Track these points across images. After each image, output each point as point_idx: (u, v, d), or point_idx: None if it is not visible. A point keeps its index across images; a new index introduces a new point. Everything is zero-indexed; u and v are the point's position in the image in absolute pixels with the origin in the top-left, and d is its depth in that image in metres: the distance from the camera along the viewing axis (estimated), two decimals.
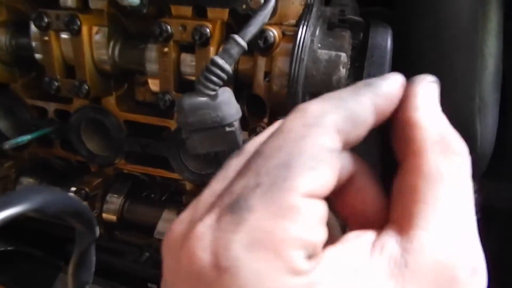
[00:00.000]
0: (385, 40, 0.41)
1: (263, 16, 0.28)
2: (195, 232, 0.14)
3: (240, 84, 0.34)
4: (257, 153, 0.15)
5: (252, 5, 0.30)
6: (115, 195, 0.44)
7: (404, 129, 0.16)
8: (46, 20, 0.34)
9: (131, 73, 0.40)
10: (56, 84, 0.36)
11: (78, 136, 0.42)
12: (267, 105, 0.33)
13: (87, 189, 0.42)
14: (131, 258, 0.48)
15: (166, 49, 0.32)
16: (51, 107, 0.43)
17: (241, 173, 0.15)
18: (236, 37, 0.28)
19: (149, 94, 0.42)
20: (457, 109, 0.29)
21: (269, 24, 0.31)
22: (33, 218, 0.53)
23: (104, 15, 0.36)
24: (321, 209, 0.14)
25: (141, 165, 0.44)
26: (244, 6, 0.31)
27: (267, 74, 0.31)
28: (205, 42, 0.31)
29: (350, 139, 0.16)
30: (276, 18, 0.32)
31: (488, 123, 0.28)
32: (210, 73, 0.28)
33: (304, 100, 0.29)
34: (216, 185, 0.16)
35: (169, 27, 0.32)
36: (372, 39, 0.41)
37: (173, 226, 0.15)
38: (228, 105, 0.28)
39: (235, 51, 0.28)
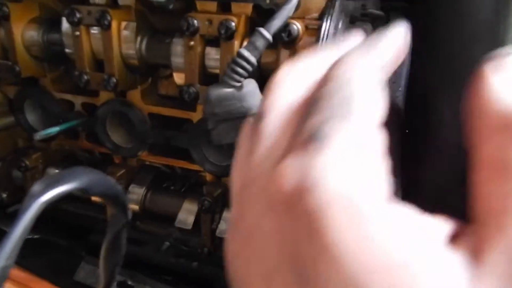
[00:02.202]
0: None
1: (288, 10, 0.29)
2: (282, 163, 0.14)
3: (263, 76, 0.35)
4: (314, 99, 0.15)
5: None
6: (138, 186, 0.46)
7: (474, 114, 0.14)
8: (78, 15, 0.36)
9: (155, 67, 0.41)
10: (85, 77, 0.38)
11: (104, 128, 0.44)
12: None
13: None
14: (151, 247, 0.49)
15: (192, 43, 0.34)
16: (78, 100, 0.45)
17: (303, 117, 0.15)
18: (262, 30, 0.29)
19: (171, 87, 0.44)
20: None
21: (292, 17, 0.32)
22: (58, 209, 0.55)
23: (132, 11, 0.37)
24: (385, 137, 0.15)
25: (163, 157, 0.45)
26: (268, 1, 0.32)
27: None
28: (230, 36, 0.32)
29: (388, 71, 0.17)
30: (299, 12, 0.33)
31: None
32: (236, 65, 0.29)
33: None
34: (265, 140, 0.16)
35: (195, 21, 0.33)
36: None
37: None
38: (253, 96, 0.29)
39: (260, 43, 0.29)
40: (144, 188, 0.46)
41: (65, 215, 0.54)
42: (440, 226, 0.13)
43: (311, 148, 0.13)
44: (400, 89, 0.41)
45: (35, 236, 0.53)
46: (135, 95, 0.42)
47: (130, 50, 0.37)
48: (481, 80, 0.14)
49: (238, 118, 0.30)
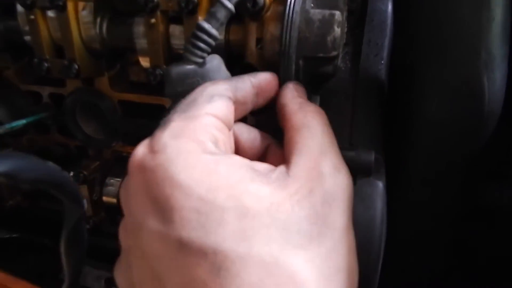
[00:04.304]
0: (385, 4, 0.39)
1: None
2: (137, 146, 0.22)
3: (233, 55, 0.32)
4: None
5: None
6: (115, 178, 0.44)
7: (280, 110, 0.26)
8: None
9: (122, 52, 0.39)
10: (46, 65, 0.36)
11: (74, 119, 0.41)
12: None
13: (85, 172, 0.41)
14: None
15: (153, 21, 0.31)
16: (45, 91, 0.43)
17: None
18: None
19: (142, 73, 0.41)
20: (461, 66, 0.27)
21: None
22: (40, 206, 0.52)
23: None
24: (219, 122, 0.23)
25: None
26: None
27: (259, 40, 0.30)
28: (193, 10, 0.30)
29: (238, 97, 0.25)
30: None
31: (496, 78, 0.26)
32: (196, 39, 0.26)
33: (298, 65, 0.28)
34: None
35: None
36: (372, 3, 0.39)
37: None
38: (217, 72, 0.27)
39: (221, 14, 0.26)
40: (121, 180, 0.44)
41: (47, 212, 0.52)
42: (255, 164, 0.21)
43: (159, 130, 0.22)
44: (382, 61, 0.38)
45: (14, 235, 0.51)
46: (103, 83, 0.39)
47: (90, 33, 0.35)
48: (288, 88, 0.27)
49: None
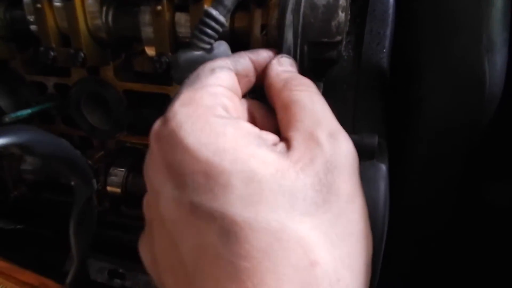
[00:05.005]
0: None
1: None
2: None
3: (237, 42, 0.33)
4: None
5: None
6: (119, 168, 0.44)
7: (267, 91, 0.26)
8: None
9: (127, 42, 0.39)
10: (52, 53, 0.36)
11: (78, 109, 0.42)
12: None
13: (89, 162, 0.42)
14: (139, 232, 0.48)
15: (159, 8, 0.32)
16: (50, 81, 0.43)
17: None
18: None
19: (146, 63, 0.41)
20: (463, 53, 0.28)
21: None
22: (43, 198, 0.53)
23: None
24: (226, 90, 0.24)
25: (144, 137, 0.43)
26: None
27: (264, 27, 0.30)
28: None
29: (239, 70, 0.25)
30: None
31: (496, 63, 0.27)
32: (204, 26, 0.27)
33: (302, 51, 0.28)
34: None
35: None
36: None
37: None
38: None
39: (228, 1, 0.27)
40: (125, 170, 0.44)
41: (48, 204, 0.53)
42: (264, 134, 0.22)
43: (171, 104, 0.22)
44: (384, 50, 0.39)
45: (19, 226, 0.51)
46: (108, 72, 0.40)
47: (96, 22, 0.35)
48: (272, 66, 0.26)
49: None
